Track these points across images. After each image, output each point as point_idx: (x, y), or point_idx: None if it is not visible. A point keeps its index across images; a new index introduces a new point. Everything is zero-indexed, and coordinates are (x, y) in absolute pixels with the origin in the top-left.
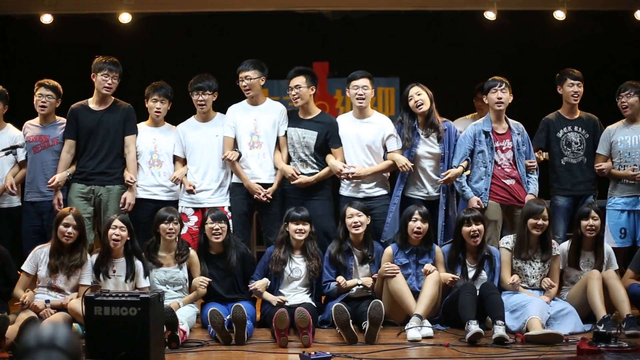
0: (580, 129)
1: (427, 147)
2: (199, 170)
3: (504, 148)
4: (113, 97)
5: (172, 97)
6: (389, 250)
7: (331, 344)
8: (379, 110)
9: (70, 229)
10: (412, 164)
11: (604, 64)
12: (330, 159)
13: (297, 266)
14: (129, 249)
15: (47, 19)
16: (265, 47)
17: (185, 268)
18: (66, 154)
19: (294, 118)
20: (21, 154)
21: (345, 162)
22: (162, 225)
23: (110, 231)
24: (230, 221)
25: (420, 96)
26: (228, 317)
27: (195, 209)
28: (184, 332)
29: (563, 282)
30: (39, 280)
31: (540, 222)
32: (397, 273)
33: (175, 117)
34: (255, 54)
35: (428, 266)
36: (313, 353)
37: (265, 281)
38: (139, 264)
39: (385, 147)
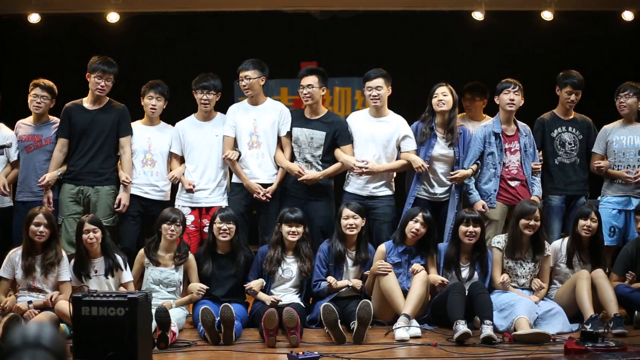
0: (574, 129)
1: (441, 149)
2: (197, 169)
3: (512, 150)
4: (108, 97)
5: (169, 96)
6: (382, 248)
7: (319, 344)
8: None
9: (41, 228)
10: (428, 165)
11: (592, 64)
12: (341, 155)
13: (289, 267)
14: (104, 246)
15: (34, 18)
16: (253, 47)
17: (182, 270)
18: (58, 153)
19: (301, 118)
20: (13, 154)
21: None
22: (165, 225)
23: (84, 236)
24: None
25: (445, 97)
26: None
27: (192, 208)
28: (174, 334)
29: (552, 280)
30: (18, 284)
31: (532, 222)
32: (390, 271)
33: (166, 117)
34: (243, 54)
35: (416, 265)
36: (301, 353)
37: (260, 281)
38: (118, 258)
39: (399, 148)
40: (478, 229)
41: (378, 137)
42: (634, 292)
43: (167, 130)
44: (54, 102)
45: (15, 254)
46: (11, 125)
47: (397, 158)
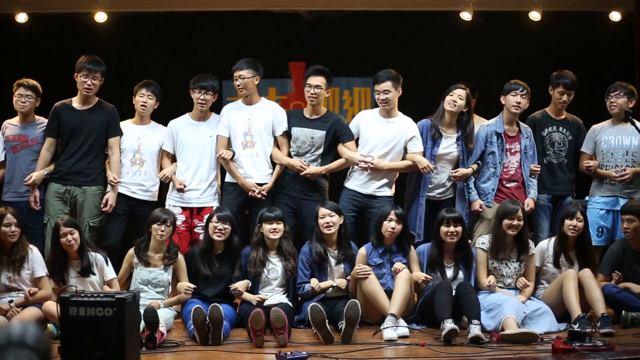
0: (564, 129)
1: (446, 148)
2: (189, 168)
3: (513, 150)
4: (97, 97)
5: (161, 97)
6: (362, 251)
7: (307, 344)
8: (355, 110)
9: (12, 227)
10: (434, 166)
11: (580, 65)
12: (345, 151)
13: (274, 266)
14: (81, 246)
15: (22, 18)
16: (241, 47)
17: (171, 271)
18: (46, 152)
19: (300, 118)
20: (0, 154)
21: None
22: (155, 226)
23: (62, 239)
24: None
25: (461, 100)
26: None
27: (184, 209)
28: (162, 334)
29: (539, 280)
30: None
31: (515, 222)
32: (370, 274)
33: (155, 117)
34: (231, 54)
35: (398, 264)
36: (289, 353)
37: (246, 282)
38: (98, 256)
39: (406, 149)
40: (459, 229)
41: (386, 138)
42: (621, 292)
43: (158, 130)
44: (39, 100)
45: None
46: None
47: (403, 159)
